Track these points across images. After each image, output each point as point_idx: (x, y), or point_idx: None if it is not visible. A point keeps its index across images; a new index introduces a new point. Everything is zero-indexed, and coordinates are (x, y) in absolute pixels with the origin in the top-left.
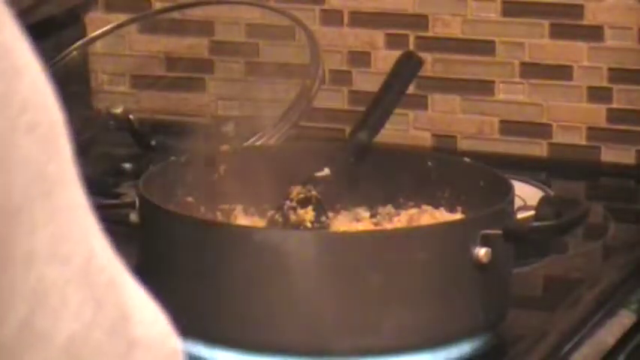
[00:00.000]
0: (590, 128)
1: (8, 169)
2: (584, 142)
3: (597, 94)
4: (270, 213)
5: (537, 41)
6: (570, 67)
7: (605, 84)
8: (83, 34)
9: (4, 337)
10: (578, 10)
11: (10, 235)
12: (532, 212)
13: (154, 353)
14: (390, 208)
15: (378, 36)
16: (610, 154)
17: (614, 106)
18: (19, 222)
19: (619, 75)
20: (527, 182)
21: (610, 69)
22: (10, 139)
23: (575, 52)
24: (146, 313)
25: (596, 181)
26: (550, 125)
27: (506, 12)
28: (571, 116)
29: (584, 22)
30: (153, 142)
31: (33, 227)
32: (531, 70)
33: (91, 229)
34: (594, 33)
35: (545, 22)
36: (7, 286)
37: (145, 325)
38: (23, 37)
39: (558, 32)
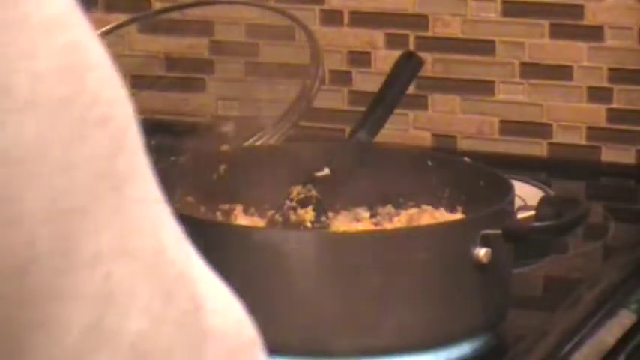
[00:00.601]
0: (590, 128)
1: (73, 166)
2: (584, 142)
3: (597, 94)
4: (270, 213)
5: (537, 41)
6: (570, 67)
7: (605, 84)
8: None
9: (69, 342)
10: (578, 10)
11: (74, 236)
12: (532, 212)
13: (228, 342)
14: (390, 208)
15: (378, 36)
16: (610, 154)
17: (614, 106)
18: (84, 221)
19: (619, 75)
20: (527, 182)
21: (610, 69)
22: (77, 136)
23: (575, 52)
24: (220, 303)
25: (596, 181)
26: (550, 125)
27: (506, 12)
28: (571, 116)
29: (584, 22)
30: (153, 142)
31: (99, 225)
32: (531, 70)
33: (161, 222)
34: (594, 33)
35: (545, 22)
36: (71, 289)
37: (219, 315)
38: (94, 34)
39: (558, 32)
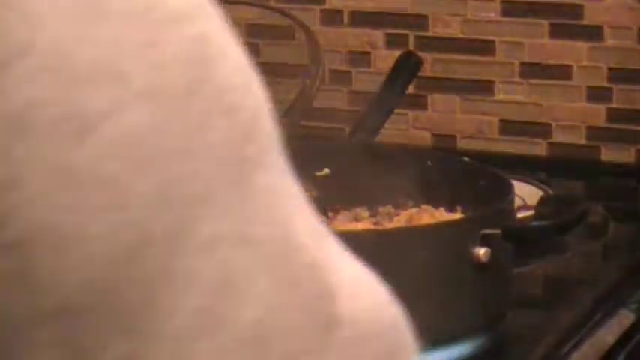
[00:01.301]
0: (589, 128)
1: (194, 154)
2: (583, 142)
3: (597, 94)
4: None
5: (537, 41)
6: (570, 67)
7: (604, 84)
8: None
9: (177, 325)
10: (578, 10)
11: (190, 221)
12: (532, 212)
13: (362, 329)
14: (390, 208)
15: (378, 36)
16: (610, 154)
17: (614, 105)
18: (202, 207)
19: (619, 75)
20: (527, 182)
21: (610, 69)
22: (199, 125)
23: (575, 52)
24: (358, 291)
25: (595, 181)
26: (550, 125)
27: (506, 12)
28: (571, 116)
29: (584, 22)
30: None
31: (219, 212)
32: (531, 70)
33: (292, 211)
34: (594, 33)
35: (545, 22)
36: (184, 273)
37: (354, 302)
38: (226, 26)
39: (558, 32)
